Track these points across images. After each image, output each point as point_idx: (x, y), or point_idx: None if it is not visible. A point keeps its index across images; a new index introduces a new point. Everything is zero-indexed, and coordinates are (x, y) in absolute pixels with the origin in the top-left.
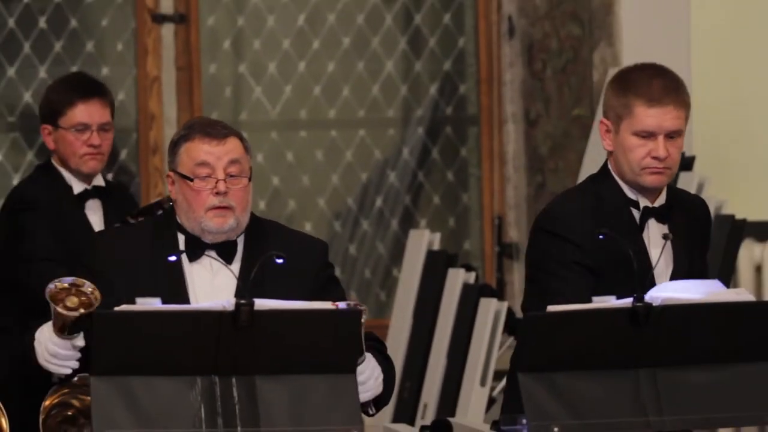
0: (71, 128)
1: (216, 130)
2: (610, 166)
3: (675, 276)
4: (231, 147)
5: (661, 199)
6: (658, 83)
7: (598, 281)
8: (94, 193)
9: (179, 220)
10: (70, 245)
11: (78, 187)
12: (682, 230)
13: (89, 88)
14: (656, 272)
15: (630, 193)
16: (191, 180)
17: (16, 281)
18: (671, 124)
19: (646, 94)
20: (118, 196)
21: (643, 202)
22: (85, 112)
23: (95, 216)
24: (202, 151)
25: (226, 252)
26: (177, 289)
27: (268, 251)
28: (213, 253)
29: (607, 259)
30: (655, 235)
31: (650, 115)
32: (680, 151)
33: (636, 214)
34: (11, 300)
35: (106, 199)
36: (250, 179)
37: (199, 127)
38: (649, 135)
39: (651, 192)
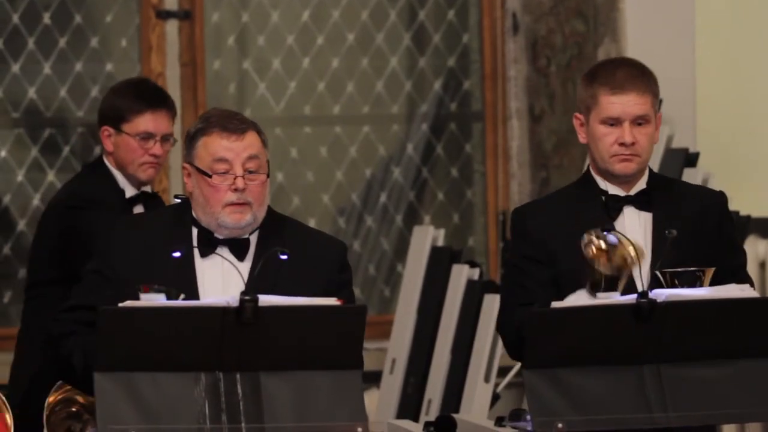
0: (136, 135)
1: (234, 125)
2: (589, 162)
3: (658, 264)
4: (249, 142)
5: (639, 187)
6: (622, 72)
7: (559, 271)
8: (142, 198)
9: (194, 214)
10: None
11: (130, 191)
12: (675, 220)
13: (159, 98)
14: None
15: (601, 184)
16: (209, 176)
17: (69, 278)
18: (635, 110)
19: (610, 82)
20: (157, 204)
21: (615, 192)
22: (152, 121)
23: None
24: (220, 146)
25: (238, 249)
26: (187, 285)
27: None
28: (225, 251)
29: (567, 251)
30: (632, 223)
31: (613, 102)
32: (650, 139)
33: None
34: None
35: (149, 205)
36: (268, 175)
37: (217, 120)
38: (615, 122)
39: (625, 181)
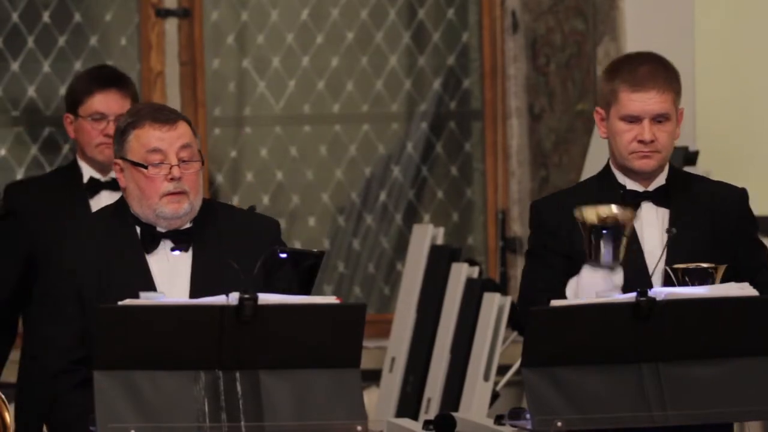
0: (88, 117)
1: (165, 115)
2: (609, 156)
3: (672, 261)
4: (182, 131)
5: (658, 183)
6: (644, 69)
7: (577, 265)
8: (107, 184)
9: (132, 210)
10: None
11: (94, 175)
12: (692, 217)
13: (108, 78)
14: (645, 256)
15: (620, 179)
16: (145, 167)
17: None
18: (655, 108)
19: (630, 80)
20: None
21: (633, 187)
22: (103, 102)
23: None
24: (153, 137)
25: (181, 240)
26: (145, 283)
27: (217, 234)
28: (168, 244)
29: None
30: (650, 218)
31: (633, 100)
32: (670, 135)
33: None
34: None
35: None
36: (202, 163)
37: (147, 112)
38: (634, 119)
39: (644, 177)
